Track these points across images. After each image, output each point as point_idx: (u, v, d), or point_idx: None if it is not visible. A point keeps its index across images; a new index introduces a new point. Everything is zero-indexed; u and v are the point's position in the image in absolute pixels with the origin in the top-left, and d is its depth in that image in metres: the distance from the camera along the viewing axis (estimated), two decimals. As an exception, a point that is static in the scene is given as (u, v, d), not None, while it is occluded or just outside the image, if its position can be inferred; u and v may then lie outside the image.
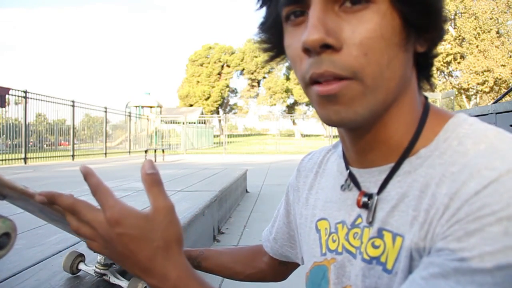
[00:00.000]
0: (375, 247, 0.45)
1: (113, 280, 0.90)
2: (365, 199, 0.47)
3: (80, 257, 0.96)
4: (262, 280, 0.80)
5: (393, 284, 0.42)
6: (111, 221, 0.42)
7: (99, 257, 0.89)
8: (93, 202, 0.45)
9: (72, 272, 0.96)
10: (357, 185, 0.50)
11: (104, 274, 0.90)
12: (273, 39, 0.50)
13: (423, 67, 0.47)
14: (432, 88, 0.49)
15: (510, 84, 19.62)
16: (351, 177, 0.51)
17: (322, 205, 0.57)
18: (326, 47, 0.39)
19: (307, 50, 0.40)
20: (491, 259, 0.32)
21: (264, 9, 0.48)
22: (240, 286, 1.83)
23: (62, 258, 1.10)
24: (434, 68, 0.50)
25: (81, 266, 0.96)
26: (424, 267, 0.36)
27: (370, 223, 0.46)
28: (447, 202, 0.37)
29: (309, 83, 0.42)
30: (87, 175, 0.44)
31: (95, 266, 0.90)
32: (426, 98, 0.49)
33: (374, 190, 0.47)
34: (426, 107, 0.47)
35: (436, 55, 0.47)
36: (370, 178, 0.48)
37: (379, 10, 0.39)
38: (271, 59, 0.52)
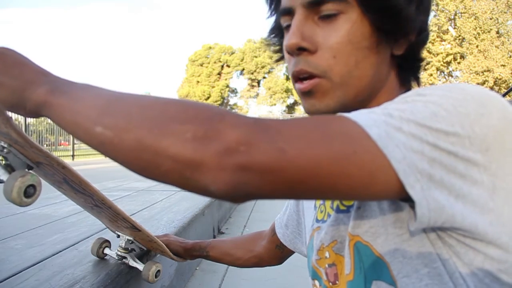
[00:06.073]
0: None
1: (132, 263, 1.00)
2: None
3: (106, 242, 1.09)
4: (258, 265, 0.84)
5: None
6: None
7: (120, 242, 0.99)
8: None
9: (98, 256, 1.08)
10: None
11: (125, 257, 1.00)
12: (279, 43, 0.58)
13: (404, 69, 0.51)
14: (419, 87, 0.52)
15: (510, 84, 19.64)
16: None
17: None
18: (302, 50, 0.47)
19: (289, 53, 0.48)
20: None
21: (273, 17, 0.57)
22: (239, 286, 1.83)
23: (62, 257, 1.13)
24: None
25: (107, 250, 1.08)
26: None
27: None
28: None
29: (293, 80, 0.49)
30: None
31: (117, 250, 1.00)
32: None
33: None
34: None
35: (420, 59, 0.51)
36: None
37: (350, 19, 0.45)
38: (280, 59, 0.60)
